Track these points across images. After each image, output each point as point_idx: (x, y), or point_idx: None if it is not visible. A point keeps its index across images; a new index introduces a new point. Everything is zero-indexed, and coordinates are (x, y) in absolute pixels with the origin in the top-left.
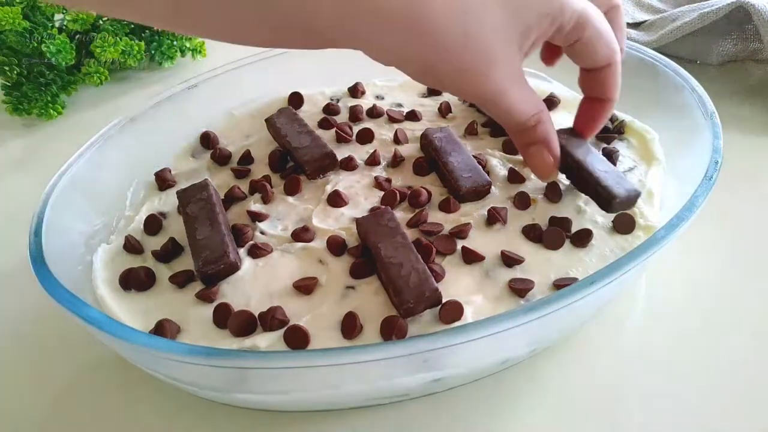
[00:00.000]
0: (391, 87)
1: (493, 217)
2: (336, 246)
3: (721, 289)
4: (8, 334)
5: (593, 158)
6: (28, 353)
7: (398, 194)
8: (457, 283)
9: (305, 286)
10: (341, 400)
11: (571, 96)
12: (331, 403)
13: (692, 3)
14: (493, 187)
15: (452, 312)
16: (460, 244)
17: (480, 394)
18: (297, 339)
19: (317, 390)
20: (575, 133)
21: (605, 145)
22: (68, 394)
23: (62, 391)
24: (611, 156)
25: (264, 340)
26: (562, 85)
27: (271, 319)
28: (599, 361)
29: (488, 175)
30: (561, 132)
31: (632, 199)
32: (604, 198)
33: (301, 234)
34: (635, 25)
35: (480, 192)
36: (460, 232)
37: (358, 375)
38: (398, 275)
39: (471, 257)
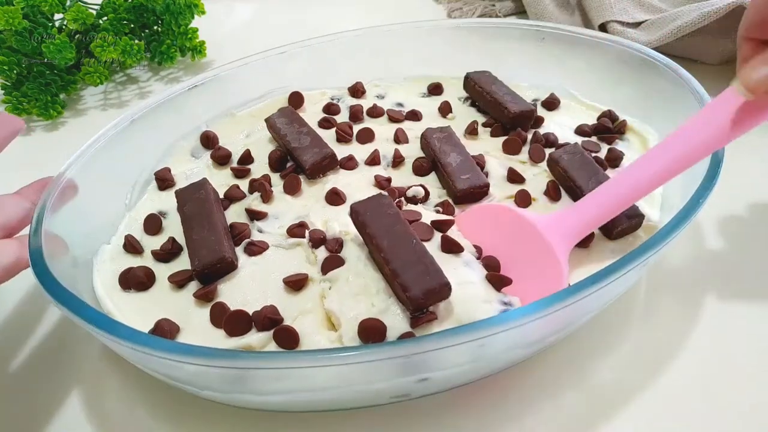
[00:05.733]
0: (391, 86)
1: None
2: (317, 240)
3: (721, 289)
4: (8, 334)
5: (595, 183)
6: (28, 353)
7: (398, 194)
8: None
9: (294, 282)
10: (341, 400)
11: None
12: (331, 403)
13: (692, 3)
14: (492, 187)
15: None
16: (438, 234)
17: (480, 394)
18: (286, 339)
19: (315, 390)
20: (576, 149)
21: (610, 146)
22: (68, 395)
23: (62, 392)
24: (618, 160)
25: (257, 339)
26: (562, 86)
27: (263, 319)
28: (600, 361)
29: (487, 175)
30: (564, 151)
31: (633, 225)
32: (605, 227)
33: (296, 230)
34: (635, 25)
35: (477, 194)
36: (442, 225)
37: (347, 377)
38: (403, 270)
39: (450, 247)
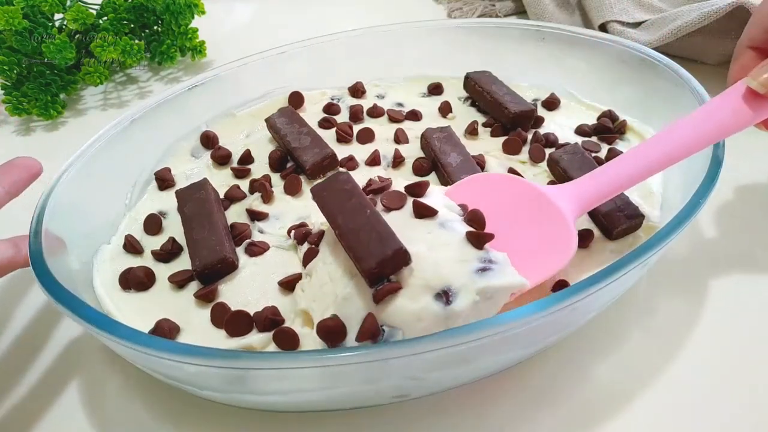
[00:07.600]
0: (391, 86)
1: None
2: (300, 237)
3: (722, 289)
4: (8, 334)
5: None
6: (28, 353)
7: None
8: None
9: (288, 282)
10: (341, 400)
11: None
12: (330, 403)
13: (692, 3)
14: None
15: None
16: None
17: (480, 394)
18: (286, 341)
19: (314, 390)
20: (576, 149)
21: (610, 146)
22: (68, 395)
23: (62, 392)
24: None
25: (259, 340)
26: (562, 86)
27: (265, 319)
28: (600, 361)
29: None
30: (564, 151)
31: (634, 225)
32: (605, 227)
33: (297, 230)
34: (635, 25)
35: None
36: (415, 189)
37: (344, 377)
38: (357, 242)
39: (422, 211)
